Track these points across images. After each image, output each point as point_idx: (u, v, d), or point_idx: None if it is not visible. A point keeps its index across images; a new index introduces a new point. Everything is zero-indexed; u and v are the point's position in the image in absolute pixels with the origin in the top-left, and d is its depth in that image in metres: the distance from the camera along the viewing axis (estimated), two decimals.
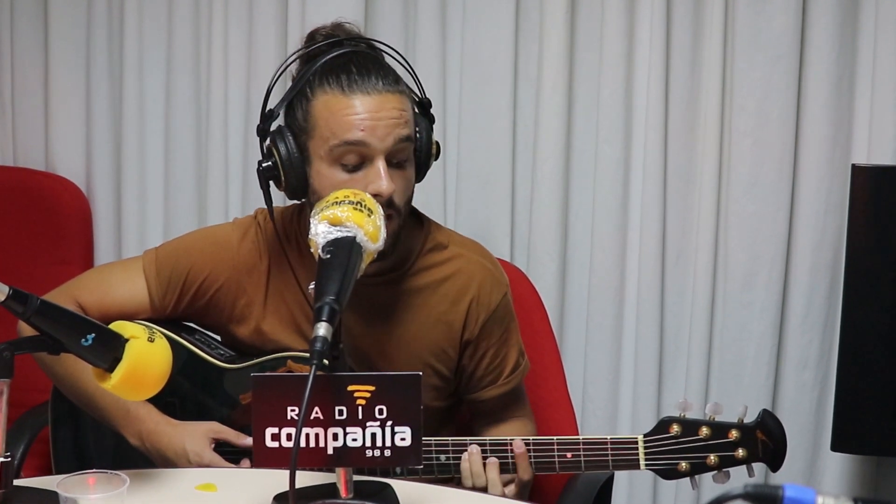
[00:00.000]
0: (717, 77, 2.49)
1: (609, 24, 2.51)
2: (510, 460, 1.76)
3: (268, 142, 1.80)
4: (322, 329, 1.38)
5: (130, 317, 1.88)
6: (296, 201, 1.86)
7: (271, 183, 1.81)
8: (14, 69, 2.88)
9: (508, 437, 1.79)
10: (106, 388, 1.53)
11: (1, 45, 2.89)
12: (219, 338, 1.99)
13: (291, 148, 1.76)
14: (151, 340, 1.54)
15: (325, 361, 1.40)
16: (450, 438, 1.78)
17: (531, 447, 1.76)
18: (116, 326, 1.54)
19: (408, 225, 1.91)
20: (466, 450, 1.77)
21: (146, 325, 1.57)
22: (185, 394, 1.91)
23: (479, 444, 1.77)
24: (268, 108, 1.80)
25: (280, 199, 1.95)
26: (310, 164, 1.77)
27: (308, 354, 1.73)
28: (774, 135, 2.48)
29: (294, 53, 1.83)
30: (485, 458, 1.75)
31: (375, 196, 1.68)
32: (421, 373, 1.46)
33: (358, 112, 1.72)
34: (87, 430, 1.95)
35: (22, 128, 2.91)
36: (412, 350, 1.89)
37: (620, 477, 2.54)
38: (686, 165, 2.55)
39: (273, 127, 1.80)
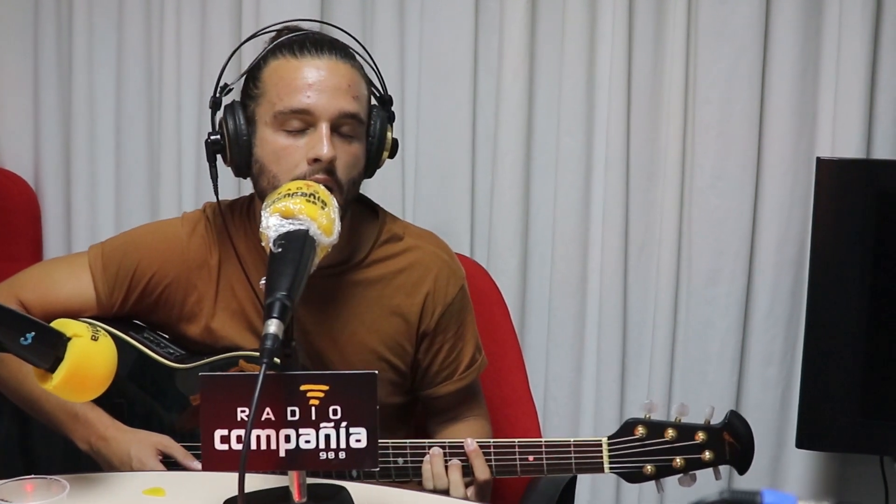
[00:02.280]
0: (681, 68, 2.46)
1: (570, 15, 2.47)
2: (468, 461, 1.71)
3: (219, 114, 1.77)
4: (273, 326, 1.32)
5: (75, 315, 1.82)
6: (241, 178, 1.81)
7: (219, 160, 1.78)
8: None
9: (466, 439, 1.73)
10: (47, 390, 1.46)
11: None
12: (168, 336, 1.92)
13: (240, 121, 1.74)
14: (95, 339, 1.47)
15: (277, 360, 1.34)
16: (408, 441, 1.73)
17: (491, 449, 1.71)
18: (59, 324, 1.47)
19: (361, 215, 1.88)
20: (426, 452, 1.71)
21: (90, 323, 1.50)
22: (133, 395, 1.85)
23: (440, 447, 1.71)
24: (223, 83, 1.78)
25: (227, 188, 1.89)
26: (255, 132, 1.74)
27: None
28: (738, 127, 2.46)
29: (253, 35, 1.82)
30: (446, 461, 1.70)
31: (315, 161, 1.68)
32: (377, 371, 1.40)
33: (306, 75, 1.70)
34: (34, 430, 1.88)
35: None
36: (367, 344, 1.84)
37: (584, 477, 2.50)
38: (649, 158, 2.52)
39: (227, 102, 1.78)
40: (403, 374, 1.89)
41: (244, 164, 1.76)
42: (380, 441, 1.65)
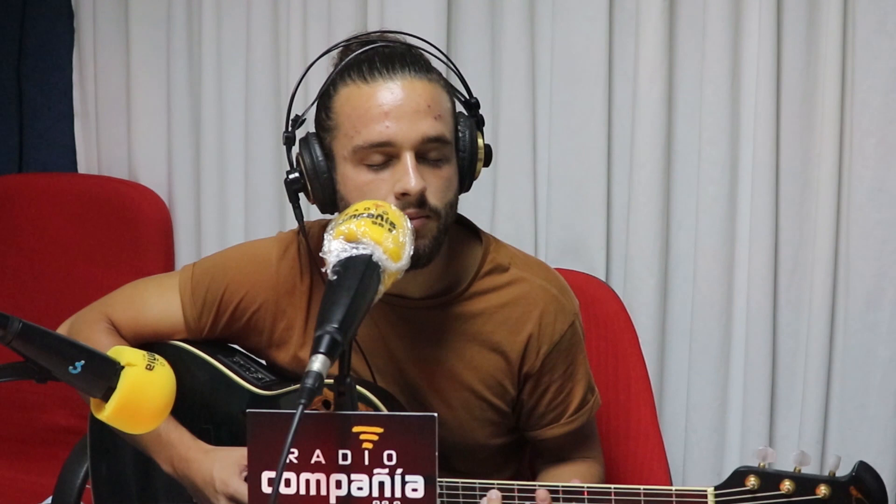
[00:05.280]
0: (836, 69, 2.30)
1: (712, 11, 2.34)
2: None
3: (295, 150, 1.67)
4: (317, 363, 1.21)
5: (165, 337, 1.80)
6: (328, 215, 1.70)
7: (302, 196, 1.67)
8: (97, 80, 2.93)
9: (539, 490, 1.57)
10: (101, 420, 1.39)
11: (85, 56, 2.95)
12: (263, 361, 1.86)
13: (317, 156, 1.63)
14: (150, 368, 1.39)
15: (331, 398, 1.30)
16: (477, 482, 1.59)
17: (585, 496, 1.56)
18: (114, 352, 1.40)
19: (463, 240, 1.75)
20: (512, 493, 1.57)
21: (147, 352, 1.43)
22: (219, 420, 1.79)
23: (508, 490, 1.57)
24: (293, 114, 1.68)
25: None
26: (335, 168, 1.62)
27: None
28: None
29: (318, 57, 1.71)
30: None
31: (403, 195, 1.54)
32: (436, 414, 1.27)
33: (380, 102, 1.56)
34: (124, 455, 1.84)
35: (106, 137, 2.94)
36: (464, 381, 1.72)
37: None
38: (801, 169, 2.37)
39: (301, 134, 1.68)
40: (505, 415, 1.76)
41: (329, 202, 1.65)
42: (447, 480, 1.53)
